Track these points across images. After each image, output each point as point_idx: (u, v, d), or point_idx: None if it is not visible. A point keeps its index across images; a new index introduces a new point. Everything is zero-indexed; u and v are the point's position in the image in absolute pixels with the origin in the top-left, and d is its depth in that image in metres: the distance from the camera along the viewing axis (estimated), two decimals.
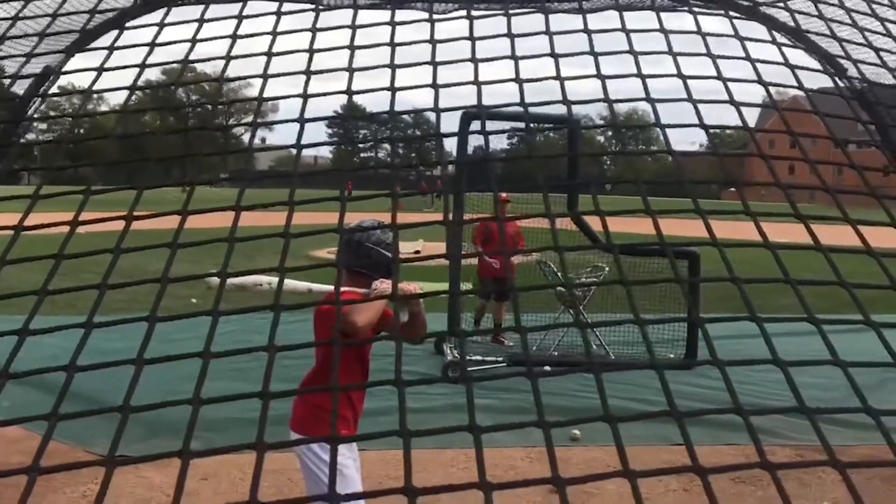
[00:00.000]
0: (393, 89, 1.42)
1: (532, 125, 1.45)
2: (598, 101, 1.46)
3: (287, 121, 1.42)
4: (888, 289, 1.12)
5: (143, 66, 1.48)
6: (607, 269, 10.59)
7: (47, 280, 1.09)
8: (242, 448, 0.86)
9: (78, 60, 1.51)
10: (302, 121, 1.37)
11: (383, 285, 3.46)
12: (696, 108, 1.40)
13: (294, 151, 1.41)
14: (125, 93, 1.51)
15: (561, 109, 1.47)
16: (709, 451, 6.17)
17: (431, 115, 1.45)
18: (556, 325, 1.22)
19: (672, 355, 9.35)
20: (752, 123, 1.44)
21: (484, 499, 0.75)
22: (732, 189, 1.34)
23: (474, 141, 8.10)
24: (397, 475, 5.63)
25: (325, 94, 1.44)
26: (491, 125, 1.56)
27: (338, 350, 1.04)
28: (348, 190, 1.36)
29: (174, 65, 1.62)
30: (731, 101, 1.40)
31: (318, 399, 3.70)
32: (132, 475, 5.74)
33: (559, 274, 10.49)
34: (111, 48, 1.52)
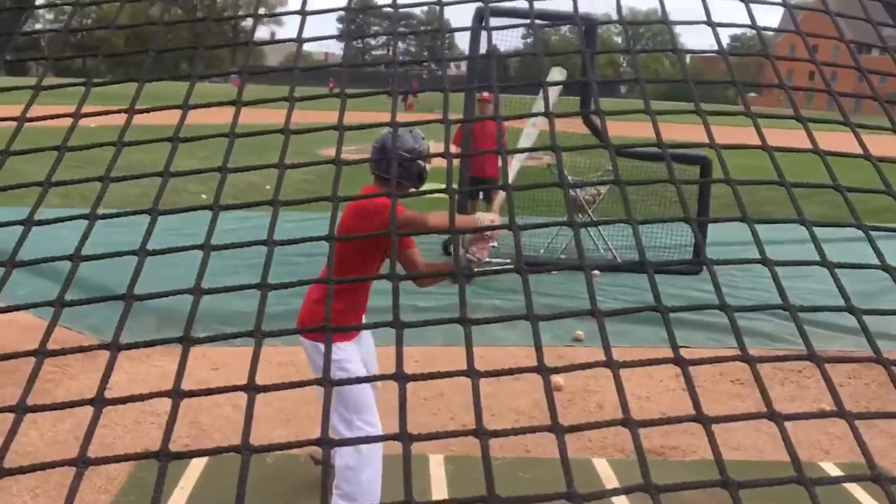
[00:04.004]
0: None
1: (540, 22, 1.41)
2: None
3: (287, 13, 1.40)
4: (882, 193, 1.11)
5: None
6: (619, 173, 10.50)
7: (51, 171, 1.09)
8: (242, 336, 0.88)
9: None
10: (303, 13, 1.35)
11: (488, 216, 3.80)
12: (704, 5, 1.36)
13: (296, 47, 1.38)
14: None
15: (580, 7, 1.43)
16: (710, 352, 6.25)
17: (447, 12, 1.42)
18: (545, 224, 1.17)
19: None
20: (775, 25, 1.40)
21: (472, 385, 0.79)
22: (752, 94, 1.31)
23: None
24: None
25: None
26: (504, 23, 1.52)
27: (332, 246, 1.04)
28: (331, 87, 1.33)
29: None
30: None
31: (319, 296, 3.81)
32: (146, 365, 5.91)
33: (570, 178, 10.43)
34: None
